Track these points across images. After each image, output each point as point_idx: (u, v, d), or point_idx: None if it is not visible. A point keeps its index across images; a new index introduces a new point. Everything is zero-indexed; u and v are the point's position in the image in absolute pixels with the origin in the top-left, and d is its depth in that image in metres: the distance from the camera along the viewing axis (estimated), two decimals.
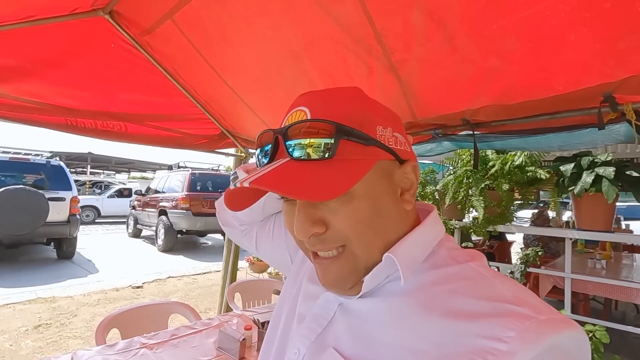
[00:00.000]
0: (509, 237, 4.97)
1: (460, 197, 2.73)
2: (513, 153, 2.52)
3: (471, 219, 2.91)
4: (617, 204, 2.30)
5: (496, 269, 3.02)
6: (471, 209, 2.90)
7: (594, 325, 2.09)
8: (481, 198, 2.51)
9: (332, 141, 0.41)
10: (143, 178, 18.56)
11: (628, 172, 2.14)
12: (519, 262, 2.26)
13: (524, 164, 2.46)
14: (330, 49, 1.54)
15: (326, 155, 0.41)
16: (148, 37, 1.84)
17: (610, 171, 2.12)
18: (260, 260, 4.95)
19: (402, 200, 0.48)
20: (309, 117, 0.43)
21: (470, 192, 2.68)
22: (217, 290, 4.69)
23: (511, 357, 0.35)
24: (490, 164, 2.60)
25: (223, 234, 8.76)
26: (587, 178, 2.21)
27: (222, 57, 1.90)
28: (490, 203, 2.53)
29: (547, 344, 0.35)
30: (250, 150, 3.08)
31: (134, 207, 10.55)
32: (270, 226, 0.76)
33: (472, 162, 2.72)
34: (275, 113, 2.21)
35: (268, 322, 1.51)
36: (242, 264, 4.36)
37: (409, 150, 0.50)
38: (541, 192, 4.67)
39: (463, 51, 1.29)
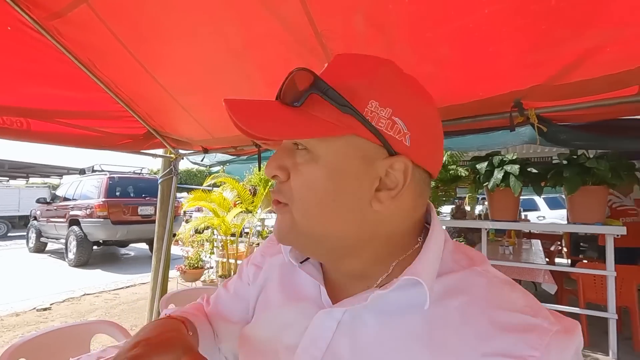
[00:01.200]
0: None
1: None
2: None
3: None
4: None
5: None
6: None
7: None
8: None
9: (303, 90, 0.39)
10: (45, 184, 16.20)
11: (529, 169, 2.49)
12: None
13: (446, 163, 2.71)
14: (272, 48, 1.52)
15: (294, 103, 0.40)
16: (56, 22, 1.61)
17: (515, 168, 2.44)
18: (193, 268, 4.67)
19: (374, 196, 0.40)
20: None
21: None
22: (143, 305, 4.30)
23: None
24: None
25: (149, 243, 8.09)
26: (498, 175, 2.52)
27: (152, 51, 1.75)
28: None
29: (569, 356, 0.36)
30: (182, 152, 2.89)
31: (35, 218, 9.15)
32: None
33: None
34: (214, 113, 2.10)
35: None
36: (173, 273, 4.06)
37: (409, 146, 0.40)
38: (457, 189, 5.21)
39: (401, 56, 1.37)
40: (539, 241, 5.10)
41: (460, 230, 4.56)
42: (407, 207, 0.42)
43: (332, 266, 0.47)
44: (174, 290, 2.39)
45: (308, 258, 0.50)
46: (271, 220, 4.41)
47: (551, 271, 2.74)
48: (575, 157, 2.37)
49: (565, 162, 2.38)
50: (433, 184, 2.83)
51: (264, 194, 3.97)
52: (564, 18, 1.09)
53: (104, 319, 3.81)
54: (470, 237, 4.65)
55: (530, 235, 5.50)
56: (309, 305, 0.46)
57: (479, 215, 5.14)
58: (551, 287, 2.64)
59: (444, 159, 2.73)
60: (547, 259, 3.57)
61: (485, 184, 2.61)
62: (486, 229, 2.75)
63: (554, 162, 3.05)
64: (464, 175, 2.71)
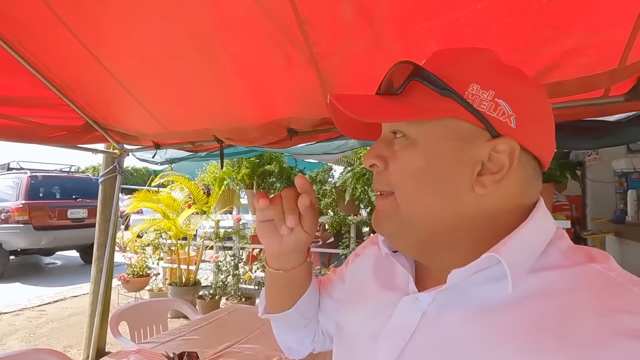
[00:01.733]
0: None
1: (358, 194, 2.87)
2: None
3: (366, 214, 3.11)
4: None
5: None
6: (363, 204, 3.09)
7: None
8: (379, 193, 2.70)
9: (404, 78, 0.41)
10: None
11: None
12: None
13: None
14: (247, 34, 1.37)
15: (394, 92, 0.42)
16: None
17: None
18: (137, 276, 4.24)
19: (477, 180, 0.39)
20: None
21: (367, 188, 2.84)
22: (78, 321, 3.80)
23: None
24: None
25: (80, 250, 7.24)
26: None
27: (96, 27, 1.49)
28: None
29: None
30: (127, 147, 2.57)
31: None
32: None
33: None
34: (171, 105, 1.88)
35: (186, 353, 1.25)
36: (113, 282, 3.64)
37: (515, 128, 0.38)
38: None
39: (388, 49, 1.31)
40: None
41: None
42: (512, 193, 0.40)
43: (425, 259, 0.46)
44: (128, 304, 2.09)
45: None
46: (228, 222, 4.17)
47: None
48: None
49: None
50: None
51: (219, 193, 3.73)
52: (552, 19, 1.10)
53: (28, 344, 3.27)
54: None
55: None
56: (396, 295, 0.46)
57: None
58: None
59: None
60: None
61: None
62: None
63: None
64: None
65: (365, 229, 3.68)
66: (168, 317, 2.29)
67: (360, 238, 3.32)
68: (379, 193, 0.46)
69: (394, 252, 0.49)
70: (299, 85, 1.57)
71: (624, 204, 3.98)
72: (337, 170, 4.24)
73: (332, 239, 4.14)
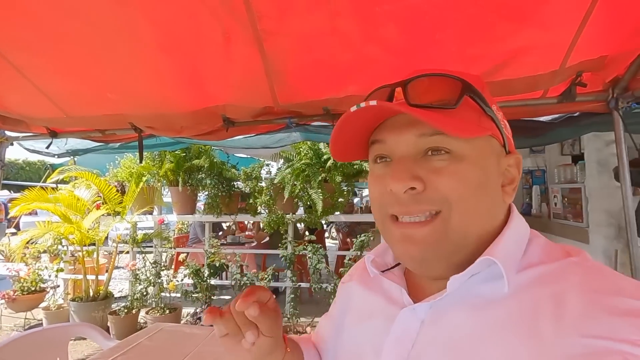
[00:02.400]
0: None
1: (297, 191, 2.73)
2: None
3: (303, 212, 2.98)
4: None
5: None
6: (302, 201, 2.96)
7: None
8: (319, 190, 2.59)
9: (458, 93, 0.42)
10: None
11: None
12: (356, 247, 2.47)
13: None
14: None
15: (449, 105, 0.42)
16: None
17: None
18: (28, 292, 3.51)
19: (503, 191, 0.46)
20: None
21: (306, 185, 2.72)
22: None
23: None
24: (325, 157, 2.73)
25: None
26: None
27: None
28: (326, 195, 2.65)
29: None
30: (10, 134, 2.04)
31: None
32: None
33: (309, 154, 2.77)
34: (74, 82, 1.50)
35: None
36: None
37: (513, 144, 0.49)
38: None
39: (344, 31, 1.17)
40: None
41: (351, 223, 4.76)
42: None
43: (441, 276, 0.45)
44: (9, 338, 1.57)
45: (391, 267, 0.53)
46: (148, 223, 3.68)
47: None
48: None
49: None
50: (339, 178, 2.79)
51: (137, 191, 3.25)
52: (511, 11, 1.08)
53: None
54: (358, 230, 4.91)
55: None
56: (393, 309, 0.47)
57: (362, 207, 5.48)
58: None
59: None
60: None
61: None
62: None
63: None
64: (367, 169, 2.75)
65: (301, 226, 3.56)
66: (71, 340, 1.87)
67: (297, 237, 3.19)
68: (409, 220, 0.43)
69: (382, 271, 0.52)
70: (239, 67, 1.36)
71: (530, 198, 4.51)
72: (274, 166, 4.04)
73: (267, 239, 3.93)
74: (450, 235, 0.42)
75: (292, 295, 2.39)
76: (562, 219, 3.70)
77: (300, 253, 2.53)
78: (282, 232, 2.95)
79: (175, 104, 1.59)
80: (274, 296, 0.53)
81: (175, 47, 1.31)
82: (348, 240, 3.92)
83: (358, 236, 2.49)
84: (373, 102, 0.41)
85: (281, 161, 4.16)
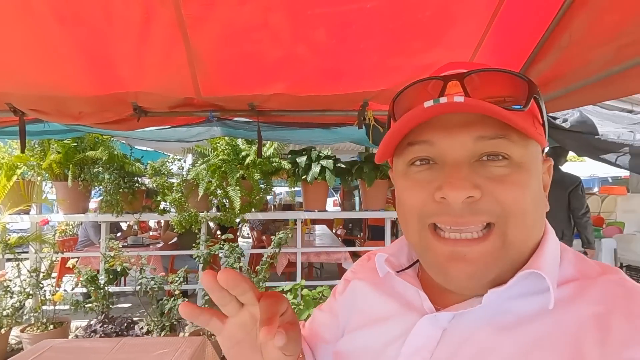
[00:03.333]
0: None
1: (213, 188, 2.60)
2: (264, 143, 2.69)
3: (216, 210, 2.86)
4: None
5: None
6: (218, 199, 2.84)
7: (322, 286, 2.62)
8: (237, 188, 2.51)
9: (527, 93, 0.39)
10: None
11: (338, 165, 2.82)
12: (274, 245, 2.47)
13: (272, 155, 2.69)
14: None
15: (519, 105, 0.38)
16: None
17: (330, 163, 2.71)
18: None
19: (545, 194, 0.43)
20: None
21: (223, 182, 2.61)
22: None
23: None
24: (244, 153, 2.65)
25: None
26: (315, 168, 2.72)
27: None
28: (244, 192, 2.59)
29: None
30: None
31: None
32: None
33: (227, 150, 2.65)
34: None
35: None
36: None
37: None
38: None
39: (275, 28, 1.17)
40: (325, 226, 6.00)
41: (266, 221, 4.72)
42: None
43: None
44: None
45: (405, 268, 0.50)
46: (24, 224, 3.06)
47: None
48: (370, 154, 2.86)
49: (364, 159, 2.84)
50: (258, 176, 2.74)
51: (8, 186, 2.69)
52: (424, 32, 1.21)
53: None
54: (272, 227, 4.89)
55: (314, 221, 6.40)
56: (410, 313, 0.44)
57: (287, 205, 5.48)
58: (349, 265, 3.11)
59: (271, 151, 2.71)
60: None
61: (304, 177, 2.76)
62: (302, 220, 2.92)
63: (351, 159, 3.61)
64: (287, 167, 2.77)
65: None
66: None
67: (210, 235, 3.04)
68: (459, 236, 0.38)
69: (397, 272, 0.47)
70: (158, 52, 1.24)
71: None
72: (185, 161, 3.76)
73: (175, 239, 3.65)
74: (509, 251, 0.38)
75: (207, 297, 2.27)
76: None
77: (217, 252, 2.43)
78: (195, 231, 2.78)
79: (74, 87, 1.38)
80: (285, 301, 0.42)
81: (79, 20, 1.14)
82: (263, 238, 3.90)
83: (276, 233, 2.50)
84: (459, 99, 0.35)
85: (189, 156, 3.91)
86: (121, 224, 4.52)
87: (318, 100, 1.51)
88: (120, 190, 2.69)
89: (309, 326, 0.63)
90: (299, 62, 1.31)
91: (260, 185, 2.75)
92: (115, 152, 2.75)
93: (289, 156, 2.92)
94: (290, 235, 2.60)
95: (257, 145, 2.93)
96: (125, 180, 2.77)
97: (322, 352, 0.58)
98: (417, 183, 0.40)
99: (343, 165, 2.86)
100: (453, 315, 0.40)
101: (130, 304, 3.80)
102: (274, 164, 2.71)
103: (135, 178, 2.83)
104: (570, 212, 2.55)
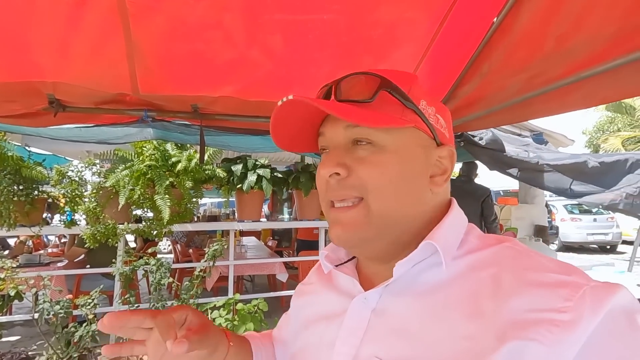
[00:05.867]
0: None
1: (137, 197, 2.33)
2: (196, 150, 2.51)
3: (143, 222, 2.58)
4: None
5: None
6: (142, 209, 2.57)
7: (257, 299, 2.53)
8: (167, 197, 2.29)
9: (375, 89, 0.45)
10: None
11: (275, 174, 2.79)
12: (208, 257, 2.29)
13: (206, 162, 2.53)
14: None
15: (366, 99, 0.45)
16: None
17: (267, 172, 2.66)
18: None
19: (431, 181, 0.48)
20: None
21: (149, 190, 2.36)
22: None
23: (575, 325, 0.35)
24: (174, 159, 2.44)
25: None
26: (251, 177, 2.64)
27: None
28: (174, 201, 2.37)
29: (608, 307, 0.36)
30: None
31: None
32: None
33: (155, 155, 2.41)
34: None
35: None
36: None
37: (448, 137, 0.50)
38: None
39: (229, 29, 1.14)
40: (254, 237, 5.83)
41: (189, 233, 4.39)
42: (445, 191, 0.50)
43: (386, 259, 0.48)
44: None
45: (344, 262, 0.55)
46: None
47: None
48: (307, 165, 2.89)
49: (300, 169, 2.86)
50: (190, 184, 2.56)
51: None
52: (372, 49, 1.29)
53: None
54: (198, 240, 4.58)
55: (243, 234, 6.18)
56: (345, 301, 0.49)
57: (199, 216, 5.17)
58: (284, 276, 3.07)
59: (205, 157, 2.55)
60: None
61: (239, 186, 2.66)
62: (235, 230, 2.80)
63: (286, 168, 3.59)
64: (222, 176, 2.63)
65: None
66: None
67: (130, 249, 2.72)
68: (339, 205, 0.47)
69: (336, 265, 0.53)
70: (91, 39, 1.10)
71: None
72: (95, 167, 3.31)
73: (82, 256, 3.16)
74: (372, 220, 0.45)
75: None
76: None
77: (142, 268, 2.16)
78: (111, 245, 2.44)
79: None
80: (190, 309, 0.49)
81: None
82: (190, 251, 3.61)
83: (210, 245, 2.33)
84: (290, 97, 0.43)
85: (95, 162, 3.47)
86: (7, 239, 3.79)
87: (265, 106, 1.49)
88: (14, 198, 2.25)
89: (278, 327, 0.70)
90: (252, 66, 1.28)
91: (192, 194, 2.56)
92: (10, 154, 2.29)
93: (223, 164, 2.79)
94: (226, 246, 2.46)
95: (188, 151, 2.76)
96: (21, 187, 2.33)
97: (284, 354, 0.64)
98: (319, 167, 0.49)
99: (279, 175, 2.84)
100: (379, 294, 0.46)
101: (19, 336, 3.15)
102: (207, 172, 2.55)
103: (36, 185, 2.40)
104: (482, 218, 2.93)
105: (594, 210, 9.63)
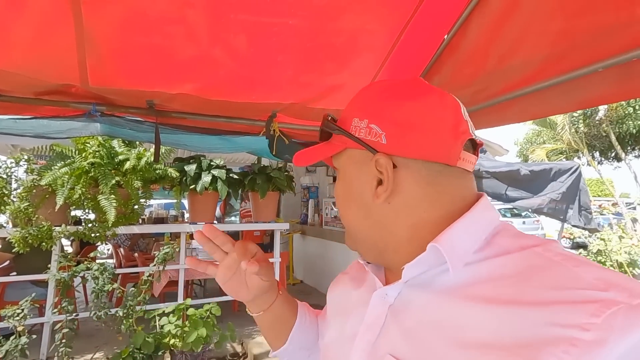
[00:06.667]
0: None
1: (77, 196, 2.15)
2: (148, 149, 2.37)
3: (84, 224, 2.38)
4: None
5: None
6: (83, 210, 2.38)
7: (209, 304, 2.46)
8: (112, 197, 2.13)
9: (320, 129, 0.53)
10: None
11: (231, 175, 2.73)
12: (158, 260, 2.17)
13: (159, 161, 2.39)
14: None
15: (321, 139, 0.54)
16: None
17: (222, 173, 2.59)
18: None
19: (374, 193, 0.47)
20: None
21: (91, 190, 2.18)
22: None
23: (598, 348, 0.30)
24: (122, 157, 2.27)
25: None
26: (206, 178, 2.56)
27: None
28: (120, 202, 2.21)
29: None
30: None
31: None
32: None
33: (100, 152, 2.22)
34: None
35: None
36: None
37: (385, 143, 0.46)
38: None
39: (192, 26, 1.12)
40: None
41: (133, 237, 4.11)
42: (417, 197, 0.46)
43: (384, 263, 0.52)
44: None
45: None
46: None
47: None
48: (263, 166, 2.87)
49: (257, 171, 2.83)
50: (138, 184, 2.41)
51: None
52: (335, 55, 1.34)
53: None
54: (142, 243, 4.30)
55: (192, 236, 5.91)
56: (367, 295, 0.51)
57: (145, 218, 4.90)
58: None
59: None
60: None
61: (192, 187, 2.56)
62: (188, 232, 2.69)
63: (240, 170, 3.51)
64: (174, 176, 2.50)
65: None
66: None
67: (65, 254, 2.49)
68: None
69: (368, 263, 0.54)
70: (36, 24, 1.02)
71: (307, 209, 5.37)
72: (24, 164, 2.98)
73: (7, 263, 2.82)
74: (347, 233, 0.54)
75: (67, 330, 1.82)
76: (331, 226, 4.65)
77: (84, 274, 1.98)
78: (45, 249, 2.21)
79: None
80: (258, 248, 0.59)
81: None
82: (136, 255, 3.38)
83: (161, 248, 2.21)
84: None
85: (27, 157, 3.16)
86: None
87: (227, 106, 1.47)
88: None
89: (320, 315, 0.71)
90: (213, 64, 1.26)
91: (140, 195, 2.41)
92: None
93: (175, 163, 2.66)
94: (177, 249, 2.35)
95: (137, 149, 2.59)
96: None
97: (321, 329, 0.67)
98: None
99: (235, 176, 2.78)
100: (398, 291, 0.47)
101: None
102: (157, 171, 2.42)
103: None
104: None
105: (523, 213, 10.68)
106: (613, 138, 9.24)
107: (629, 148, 10.47)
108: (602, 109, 9.06)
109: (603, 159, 11.76)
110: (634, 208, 10.45)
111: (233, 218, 5.77)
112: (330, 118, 0.52)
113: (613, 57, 1.05)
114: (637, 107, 9.08)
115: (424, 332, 0.41)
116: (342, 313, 0.56)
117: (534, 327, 0.33)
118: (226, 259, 0.56)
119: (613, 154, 11.35)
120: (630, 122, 9.08)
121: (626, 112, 9.05)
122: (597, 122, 9.62)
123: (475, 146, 0.49)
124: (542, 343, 0.32)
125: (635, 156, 11.09)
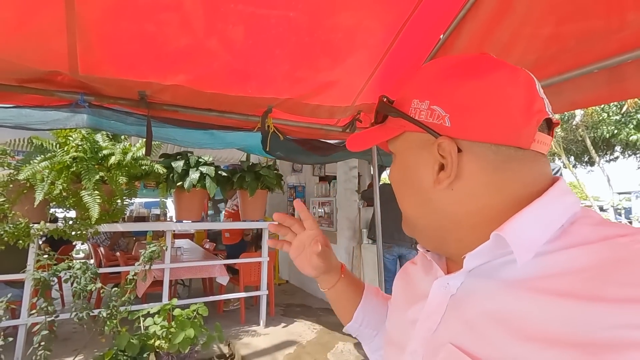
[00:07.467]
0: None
1: (58, 192, 2.05)
2: (133, 143, 2.29)
3: (64, 222, 2.28)
4: None
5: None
6: (65, 207, 2.28)
7: (196, 304, 2.40)
8: (96, 193, 2.05)
9: (374, 113, 0.51)
10: None
11: (219, 172, 2.68)
12: (145, 259, 2.10)
13: (144, 156, 2.32)
14: None
15: (377, 122, 0.52)
16: None
17: (211, 170, 2.54)
18: None
19: (436, 179, 0.44)
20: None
21: (73, 185, 2.09)
22: None
23: None
24: (106, 152, 2.19)
25: None
26: (194, 175, 2.50)
27: None
28: (104, 198, 2.13)
29: None
30: None
31: None
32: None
33: (83, 146, 2.13)
34: None
35: None
36: None
37: (449, 126, 0.42)
38: None
39: (190, 14, 1.09)
40: (188, 240, 5.50)
41: (113, 236, 3.98)
42: (482, 182, 0.42)
43: (443, 252, 0.50)
44: None
45: None
46: None
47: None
48: (253, 164, 2.83)
49: (246, 168, 2.79)
50: (124, 180, 2.33)
51: None
52: (330, 51, 1.33)
53: None
54: (123, 242, 4.18)
55: (175, 235, 5.79)
56: (429, 283, 0.49)
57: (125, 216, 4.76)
58: (224, 279, 2.94)
59: (141, 152, 2.33)
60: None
61: (179, 184, 2.50)
62: (173, 230, 2.62)
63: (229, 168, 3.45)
64: (161, 172, 2.43)
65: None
66: None
67: (42, 252, 2.38)
68: None
69: (428, 251, 0.53)
70: (23, 7, 0.97)
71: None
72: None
73: None
74: (408, 223, 0.51)
75: (46, 332, 1.73)
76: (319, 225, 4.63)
77: (66, 273, 1.89)
78: (21, 247, 2.10)
79: None
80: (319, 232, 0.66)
81: None
82: (117, 254, 3.27)
83: (146, 247, 2.14)
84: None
85: (5, 150, 3.02)
86: None
87: (221, 100, 1.44)
88: None
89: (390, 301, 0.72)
90: (209, 55, 1.23)
91: (124, 192, 2.32)
92: None
93: (162, 159, 2.59)
94: (165, 247, 2.28)
95: (123, 143, 2.51)
96: None
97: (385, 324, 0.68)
98: None
99: (224, 174, 2.73)
100: (461, 281, 0.44)
101: None
102: (144, 167, 2.34)
103: None
104: None
105: None
106: (588, 142, 9.61)
107: (600, 152, 10.92)
108: (579, 114, 9.40)
109: (577, 163, 12.21)
110: (605, 210, 10.97)
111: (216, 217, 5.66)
112: (386, 100, 0.49)
113: (604, 60, 1.09)
114: (610, 113, 9.48)
115: (487, 323, 0.39)
116: (405, 299, 0.57)
117: (615, 328, 0.30)
118: (295, 240, 0.66)
119: (587, 158, 11.80)
120: (605, 127, 9.45)
121: (600, 117, 9.43)
122: (573, 127, 9.97)
123: (550, 126, 0.44)
124: (623, 345, 0.29)
125: (607, 160, 11.57)
